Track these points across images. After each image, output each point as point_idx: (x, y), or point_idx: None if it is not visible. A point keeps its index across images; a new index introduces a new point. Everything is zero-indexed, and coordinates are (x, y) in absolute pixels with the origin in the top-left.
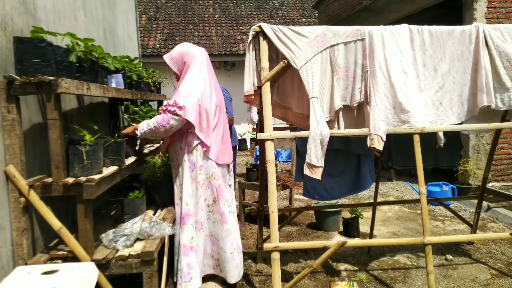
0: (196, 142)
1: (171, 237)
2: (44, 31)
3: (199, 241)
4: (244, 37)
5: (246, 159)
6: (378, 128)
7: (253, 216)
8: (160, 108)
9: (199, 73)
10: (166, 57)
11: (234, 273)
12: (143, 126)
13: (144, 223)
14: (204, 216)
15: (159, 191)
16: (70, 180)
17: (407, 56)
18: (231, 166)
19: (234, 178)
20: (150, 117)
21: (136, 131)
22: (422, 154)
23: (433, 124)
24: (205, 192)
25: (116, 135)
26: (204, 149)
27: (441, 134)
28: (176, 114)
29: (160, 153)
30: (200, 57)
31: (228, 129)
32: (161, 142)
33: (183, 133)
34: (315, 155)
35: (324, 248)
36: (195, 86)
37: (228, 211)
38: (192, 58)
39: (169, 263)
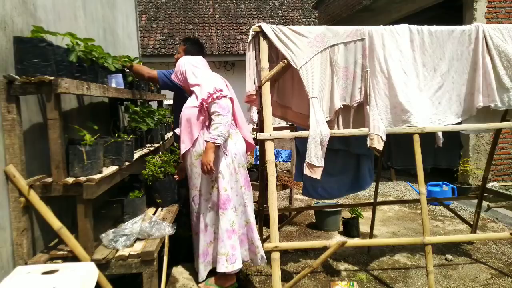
0: (230, 129)
1: (171, 237)
2: (44, 30)
3: (239, 224)
4: (244, 37)
5: None
6: (378, 128)
7: None
8: (204, 105)
9: (209, 72)
10: (172, 77)
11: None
12: (216, 133)
13: (144, 223)
14: (239, 200)
15: (159, 191)
16: (70, 180)
17: (407, 56)
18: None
19: None
20: (151, 117)
21: (214, 147)
22: (422, 154)
23: (432, 124)
24: (240, 178)
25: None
26: (239, 137)
27: (440, 134)
28: (224, 96)
29: (161, 153)
30: (199, 60)
31: None
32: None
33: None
34: (315, 155)
35: (324, 248)
36: (214, 78)
37: None
38: (190, 64)
39: (169, 263)
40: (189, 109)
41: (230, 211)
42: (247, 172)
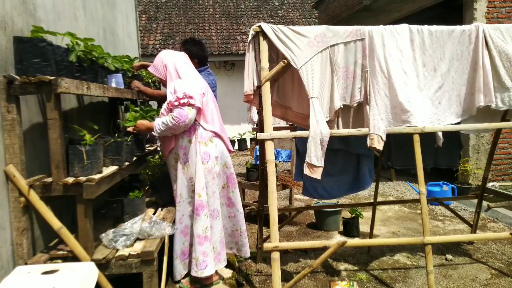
0: (210, 133)
1: (171, 237)
2: (44, 30)
3: (217, 228)
4: (244, 37)
5: (246, 159)
6: (378, 128)
7: (253, 216)
8: (168, 105)
9: (191, 71)
10: (150, 68)
11: (247, 248)
12: (159, 126)
13: (144, 223)
14: (219, 203)
15: (159, 191)
16: (70, 180)
17: (407, 56)
18: None
19: None
20: (151, 117)
21: (152, 132)
22: (422, 154)
23: (432, 124)
24: (220, 181)
25: (123, 129)
26: (218, 140)
27: (440, 134)
28: (191, 105)
29: (160, 153)
30: (182, 56)
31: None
32: (158, 142)
33: (191, 126)
34: (315, 155)
35: (324, 248)
36: (195, 81)
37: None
38: (172, 60)
39: (169, 263)
40: (164, 110)
41: (203, 217)
42: (232, 170)
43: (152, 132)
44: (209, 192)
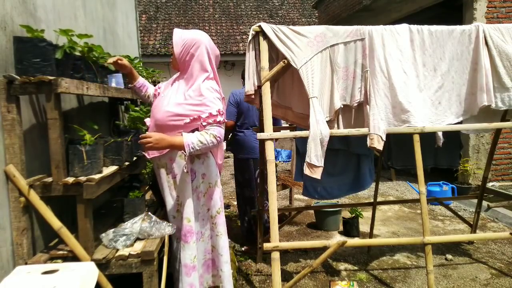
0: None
1: (171, 237)
2: (32, 30)
3: (200, 249)
4: (244, 37)
5: None
6: (378, 128)
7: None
8: (203, 121)
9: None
10: (178, 35)
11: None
12: (195, 144)
13: (144, 223)
14: (205, 225)
15: (159, 190)
16: (70, 179)
17: (407, 55)
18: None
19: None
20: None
21: (183, 151)
22: (422, 154)
23: (432, 124)
24: (207, 201)
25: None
26: (210, 156)
27: (440, 134)
28: (224, 122)
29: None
30: (212, 54)
31: None
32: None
33: None
34: (315, 155)
35: (324, 248)
36: (218, 94)
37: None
38: (203, 54)
39: (169, 263)
40: (176, 117)
41: (191, 245)
42: (220, 189)
43: (183, 152)
44: (194, 212)
